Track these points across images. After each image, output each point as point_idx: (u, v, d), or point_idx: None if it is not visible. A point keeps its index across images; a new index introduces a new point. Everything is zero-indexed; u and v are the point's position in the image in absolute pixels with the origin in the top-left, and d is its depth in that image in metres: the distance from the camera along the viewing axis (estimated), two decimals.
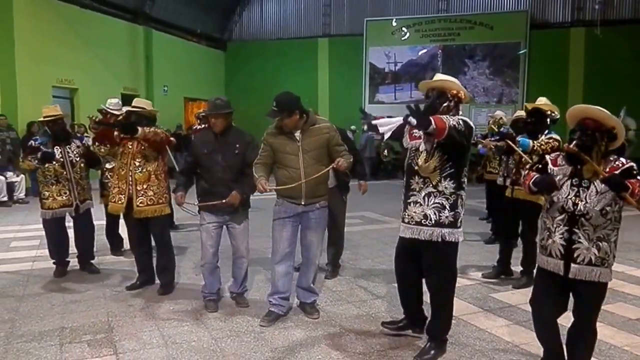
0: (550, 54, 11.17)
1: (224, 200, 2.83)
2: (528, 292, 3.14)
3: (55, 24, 8.36)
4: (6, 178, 7.01)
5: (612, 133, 1.95)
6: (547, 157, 2.13)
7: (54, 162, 3.53)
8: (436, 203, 2.21)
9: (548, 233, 2.03)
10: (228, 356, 2.41)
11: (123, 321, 2.83)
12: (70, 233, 3.80)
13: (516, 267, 3.65)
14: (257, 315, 2.85)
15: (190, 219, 5.55)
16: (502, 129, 5.16)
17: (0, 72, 7.62)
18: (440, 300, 2.32)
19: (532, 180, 2.05)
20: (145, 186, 3.19)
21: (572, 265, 1.96)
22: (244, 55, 12.89)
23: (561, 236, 1.97)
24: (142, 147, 3.18)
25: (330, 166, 2.64)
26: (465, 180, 2.28)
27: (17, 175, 7.21)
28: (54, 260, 3.73)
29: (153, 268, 3.40)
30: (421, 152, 2.23)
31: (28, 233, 5.14)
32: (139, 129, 3.10)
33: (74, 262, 3.82)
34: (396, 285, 2.57)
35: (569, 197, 1.95)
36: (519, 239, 3.73)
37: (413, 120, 2.01)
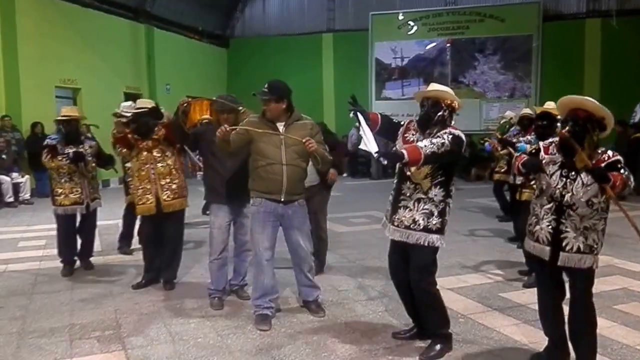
0: (564, 47, 10.83)
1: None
2: (536, 291, 3.14)
3: (58, 24, 8.39)
4: (12, 179, 7.09)
5: (602, 124, 2.02)
6: (541, 143, 2.21)
7: (82, 163, 3.66)
8: (425, 209, 2.28)
9: (536, 219, 2.13)
10: (234, 352, 2.42)
11: (130, 318, 2.87)
12: None
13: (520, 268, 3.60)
14: None
15: (196, 217, 5.63)
16: (512, 130, 5.10)
17: (4, 73, 7.67)
18: (425, 297, 2.36)
19: (521, 161, 2.19)
20: (168, 180, 3.26)
21: (561, 253, 2.04)
22: (247, 52, 12.78)
23: (548, 224, 2.07)
24: (158, 143, 3.25)
25: (304, 140, 2.54)
26: (453, 188, 2.36)
27: (22, 176, 7.31)
28: (61, 259, 3.80)
29: (159, 267, 3.42)
30: None
31: (35, 233, 5.23)
32: (164, 113, 3.26)
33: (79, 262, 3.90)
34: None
35: (558, 186, 2.04)
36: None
37: (384, 161, 2.24)
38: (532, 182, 3.35)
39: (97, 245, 4.56)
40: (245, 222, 2.98)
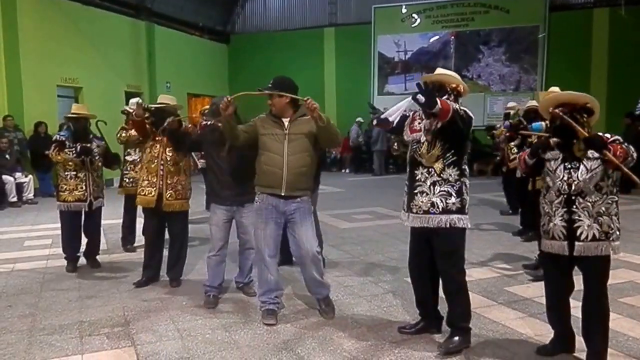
0: (571, 38, 10.64)
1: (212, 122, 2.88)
2: (543, 284, 3.13)
3: (59, 23, 8.39)
4: (15, 179, 7.11)
5: (587, 109, 2.08)
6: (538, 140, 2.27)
7: (89, 157, 3.69)
8: (442, 191, 2.28)
9: (548, 218, 2.13)
10: (242, 347, 2.45)
11: (138, 315, 2.90)
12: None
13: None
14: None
15: (200, 213, 5.66)
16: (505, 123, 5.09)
17: (6, 73, 7.69)
18: (453, 285, 2.36)
19: (527, 152, 2.21)
20: (175, 180, 3.26)
21: (577, 243, 2.04)
22: (248, 47, 12.72)
23: (561, 218, 2.07)
24: (168, 143, 3.25)
25: (305, 98, 2.48)
26: (467, 168, 2.36)
27: (26, 176, 7.34)
28: (65, 255, 3.84)
29: (159, 267, 3.45)
30: (422, 143, 2.30)
31: (40, 232, 5.27)
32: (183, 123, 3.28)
33: (84, 259, 3.94)
34: (408, 279, 2.57)
35: (563, 179, 2.06)
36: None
37: (421, 98, 2.05)
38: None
39: (102, 243, 4.60)
40: (245, 221, 2.97)
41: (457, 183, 2.29)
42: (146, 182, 3.29)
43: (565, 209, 2.06)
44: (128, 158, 4.27)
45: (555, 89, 3.49)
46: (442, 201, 2.27)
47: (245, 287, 3.18)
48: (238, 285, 3.20)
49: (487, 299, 3.09)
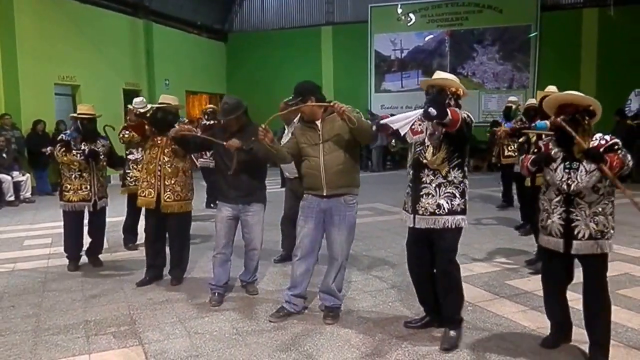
0: (561, 36, 10.87)
1: (224, 143, 2.87)
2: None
3: (56, 20, 8.32)
4: (12, 177, 7.05)
5: (590, 111, 2.13)
6: (540, 143, 2.32)
7: (94, 161, 3.68)
8: (448, 192, 2.33)
9: (547, 214, 2.21)
10: (250, 345, 2.47)
11: (144, 314, 2.90)
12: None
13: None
14: (274, 307, 2.87)
15: (201, 211, 5.65)
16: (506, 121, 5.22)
17: (3, 71, 7.62)
18: (452, 281, 2.41)
19: (530, 160, 2.26)
20: (173, 181, 3.23)
21: (574, 242, 2.12)
22: (245, 46, 12.73)
23: (559, 216, 2.14)
24: (172, 143, 3.24)
25: (330, 104, 2.54)
26: (466, 169, 2.42)
27: (23, 175, 7.27)
28: (67, 255, 3.82)
29: (162, 266, 3.44)
30: (427, 146, 2.33)
31: (39, 232, 5.23)
32: (176, 125, 3.23)
33: (86, 259, 3.93)
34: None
35: (563, 179, 2.11)
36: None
37: (433, 111, 2.09)
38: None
39: (104, 242, 4.60)
40: (251, 220, 2.98)
41: (461, 185, 2.35)
42: (145, 183, 3.29)
43: (563, 208, 2.13)
44: (130, 157, 4.27)
45: (553, 88, 3.55)
46: (447, 202, 2.32)
47: (249, 285, 3.19)
48: (242, 284, 3.22)
49: (489, 292, 3.15)
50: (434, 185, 2.33)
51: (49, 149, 6.72)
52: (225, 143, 2.87)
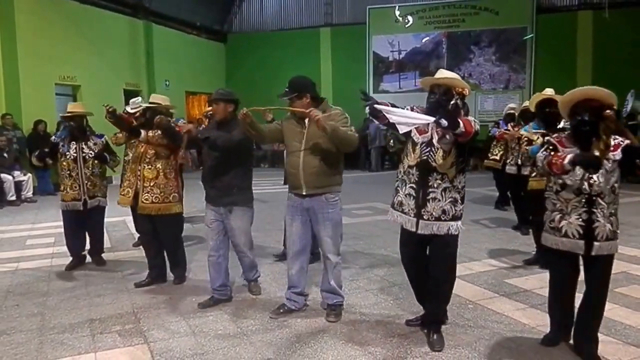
0: (557, 38, 11.01)
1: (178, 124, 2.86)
2: (541, 276, 3.26)
3: (56, 21, 8.34)
4: (14, 177, 7.04)
5: (613, 109, 2.05)
6: (549, 138, 2.20)
7: (66, 157, 3.66)
8: (451, 198, 2.27)
9: (560, 214, 2.12)
10: (255, 343, 2.49)
11: (149, 312, 2.92)
12: None
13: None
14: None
15: (200, 212, 5.63)
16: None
17: (4, 71, 7.62)
18: (446, 285, 2.39)
19: (570, 159, 2.00)
20: (152, 183, 3.19)
21: (595, 243, 2.08)
22: (245, 47, 12.79)
23: (578, 217, 2.07)
24: (154, 142, 3.20)
25: (308, 110, 2.43)
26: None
27: (25, 174, 7.26)
28: (69, 253, 3.83)
29: (163, 265, 3.42)
30: (438, 149, 2.23)
31: (42, 231, 5.22)
32: (142, 132, 3.15)
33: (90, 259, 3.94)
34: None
35: (583, 179, 2.03)
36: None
37: (444, 122, 2.04)
38: (535, 174, 3.42)
39: (106, 241, 4.57)
40: (234, 225, 2.90)
41: (463, 190, 2.31)
42: (127, 182, 3.30)
43: (585, 209, 2.06)
44: (127, 159, 4.22)
45: (550, 90, 3.60)
46: (451, 208, 2.27)
47: (251, 285, 3.19)
48: (244, 284, 3.23)
49: (489, 291, 3.19)
50: (440, 189, 2.25)
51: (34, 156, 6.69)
52: (178, 124, 2.85)
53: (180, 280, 3.39)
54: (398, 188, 2.37)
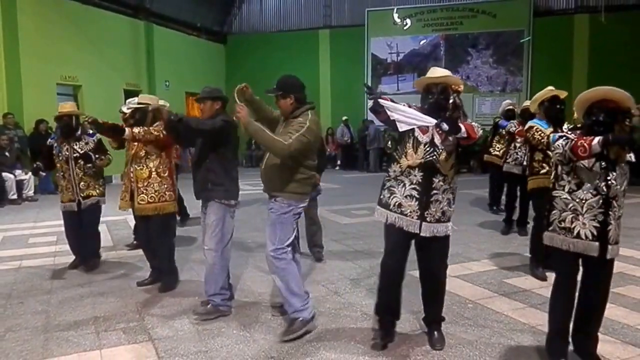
0: (554, 41, 11.14)
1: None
2: (539, 277, 3.31)
3: (58, 21, 8.37)
4: (15, 176, 7.05)
5: (629, 113, 2.01)
6: (569, 135, 2.07)
7: (59, 158, 3.64)
8: (448, 199, 2.28)
9: (573, 215, 2.03)
10: (259, 341, 2.52)
11: (153, 311, 2.94)
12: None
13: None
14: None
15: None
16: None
17: (6, 71, 7.64)
18: (443, 286, 2.42)
19: (600, 140, 1.88)
20: (145, 183, 3.17)
21: (609, 246, 2.02)
22: (244, 48, 12.85)
23: (593, 218, 2.00)
24: (143, 144, 3.17)
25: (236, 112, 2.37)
26: None
27: (26, 174, 7.26)
28: (72, 252, 3.84)
29: (160, 266, 3.39)
30: (441, 151, 2.20)
31: (44, 230, 5.22)
32: (127, 130, 3.11)
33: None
34: (411, 272, 2.56)
35: (601, 179, 1.97)
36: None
37: (445, 126, 2.05)
38: (543, 171, 3.24)
39: (108, 240, 4.64)
40: (208, 220, 2.77)
41: (455, 191, 2.32)
42: (124, 186, 3.31)
43: (601, 210, 1.99)
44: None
45: (551, 88, 3.62)
46: (448, 209, 2.27)
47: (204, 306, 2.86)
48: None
49: (488, 290, 3.24)
50: (441, 190, 2.24)
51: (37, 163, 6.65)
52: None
53: (165, 288, 3.23)
54: (393, 188, 2.28)
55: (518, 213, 4.82)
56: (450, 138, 2.20)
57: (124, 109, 3.96)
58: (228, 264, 2.88)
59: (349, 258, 4.05)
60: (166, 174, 3.24)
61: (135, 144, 3.20)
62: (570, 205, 2.05)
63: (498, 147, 5.52)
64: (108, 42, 9.41)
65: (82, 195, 3.66)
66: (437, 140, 2.22)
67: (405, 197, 2.25)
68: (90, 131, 3.75)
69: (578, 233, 2.03)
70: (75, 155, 3.63)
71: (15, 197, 6.97)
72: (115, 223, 5.29)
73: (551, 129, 3.16)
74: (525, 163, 4.35)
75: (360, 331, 2.61)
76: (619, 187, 2.00)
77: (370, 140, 11.19)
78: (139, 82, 10.30)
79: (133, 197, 3.19)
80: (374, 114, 2.23)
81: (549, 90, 3.25)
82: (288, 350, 2.40)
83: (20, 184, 7.14)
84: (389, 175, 2.33)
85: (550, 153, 2.50)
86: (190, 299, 3.10)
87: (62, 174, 3.66)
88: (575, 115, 2.20)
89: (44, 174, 3.78)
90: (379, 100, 2.16)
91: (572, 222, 2.05)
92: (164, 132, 3.10)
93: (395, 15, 10.84)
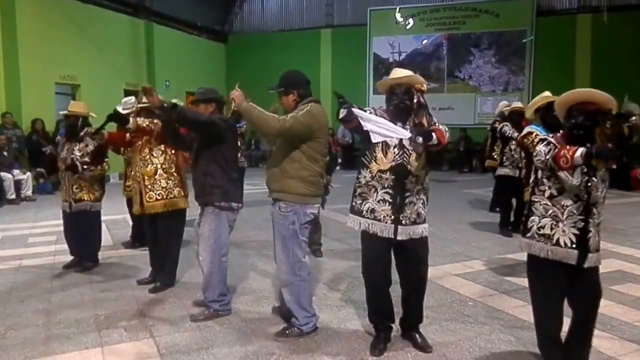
0: (556, 41, 11.12)
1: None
2: None
3: (57, 20, 8.35)
4: (13, 176, 7.03)
5: (611, 115, 1.98)
6: (548, 138, 2.02)
7: (59, 157, 3.66)
8: (421, 199, 2.25)
9: (553, 221, 1.96)
10: (259, 337, 2.53)
11: (153, 308, 2.95)
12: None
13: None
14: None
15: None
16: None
17: (4, 70, 7.63)
18: (424, 288, 2.37)
19: (583, 151, 1.81)
20: (152, 181, 3.15)
21: (589, 254, 1.94)
22: (245, 47, 12.83)
23: (573, 225, 1.93)
24: (146, 141, 3.15)
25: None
26: None
27: (24, 173, 7.26)
28: (70, 252, 3.84)
29: (162, 266, 3.37)
30: (410, 152, 2.18)
31: (43, 229, 5.23)
32: (131, 119, 3.08)
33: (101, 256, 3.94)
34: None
35: (582, 185, 1.91)
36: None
37: (420, 139, 2.02)
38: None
39: (108, 239, 4.64)
40: (201, 229, 2.72)
41: (428, 190, 2.28)
42: (132, 190, 3.30)
43: (581, 217, 1.92)
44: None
45: (547, 93, 3.61)
46: (423, 210, 2.24)
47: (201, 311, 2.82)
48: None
49: (489, 288, 3.24)
50: (414, 192, 2.21)
51: (49, 147, 6.67)
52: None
53: (161, 286, 3.20)
54: (364, 194, 2.24)
55: (513, 217, 4.77)
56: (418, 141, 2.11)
57: (120, 109, 3.90)
58: (226, 273, 2.82)
59: (350, 257, 4.06)
60: (172, 170, 3.20)
61: (137, 143, 3.20)
62: (550, 211, 1.98)
63: (497, 151, 5.50)
64: (107, 42, 9.39)
65: (74, 197, 3.63)
66: (406, 142, 2.18)
67: (378, 202, 2.21)
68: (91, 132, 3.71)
69: (557, 240, 1.95)
70: (72, 157, 3.61)
71: (13, 197, 6.95)
72: (115, 222, 5.30)
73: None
74: (521, 165, 4.31)
75: (362, 327, 2.62)
76: (599, 193, 1.94)
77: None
78: (139, 82, 10.26)
79: (142, 197, 3.15)
80: (342, 123, 2.11)
81: (545, 97, 3.18)
82: (289, 347, 2.41)
83: (18, 184, 7.11)
84: (359, 181, 2.28)
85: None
86: (191, 296, 3.11)
87: (60, 173, 3.70)
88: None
89: (42, 180, 3.77)
90: (353, 109, 2.06)
91: (551, 229, 1.97)
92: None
93: (398, 15, 10.82)
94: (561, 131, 2.10)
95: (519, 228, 4.97)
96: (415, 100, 2.19)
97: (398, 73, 2.25)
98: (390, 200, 2.19)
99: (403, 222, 2.19)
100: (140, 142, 3.20)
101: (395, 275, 2.38)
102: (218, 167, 2.69)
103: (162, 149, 3.18)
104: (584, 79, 10.70)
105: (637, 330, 2.57)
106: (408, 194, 2.19)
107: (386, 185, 2.19)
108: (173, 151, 3.23)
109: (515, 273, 3.54)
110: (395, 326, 2.49)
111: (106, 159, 3.76)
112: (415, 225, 2.21)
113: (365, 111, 2.14)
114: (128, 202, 4.21)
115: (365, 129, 2.08)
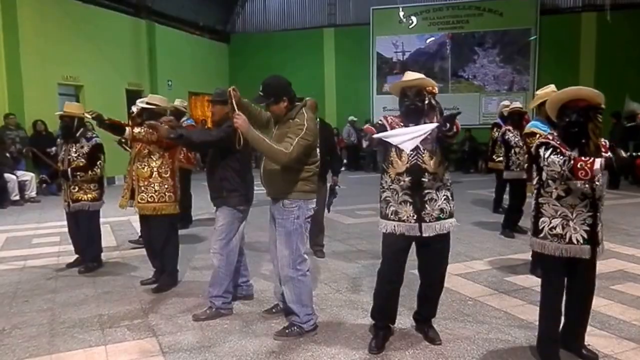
0: (561, 40, 11.05)
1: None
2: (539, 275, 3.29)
3: (59, 21, 8.40)
4: (17, 177, 7.07)
5: (600, 109, 2.02)
6: (548, 141, 2.07)
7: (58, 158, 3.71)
8: (445, 195, 2.30)
9: (563, 221, 2.03)
10: (261, 337, 2.56)
11: (156, 308, 2.99)
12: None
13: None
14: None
15: (210, 214, 5.71)
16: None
17: (7, 71, 7.67)
18: (442, 284, 2.44)
19: (601, 163, 1.89)
20: (146, 183, 3.18)
21: (598, 247, 2.05)
22: (248, 47, 12.83)
23: (583, 222, 2.02)
24: (146, 144, 3.17)
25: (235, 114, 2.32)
26: None
27: (28, 174, 7.31)
28: (74, 251, 3.89)
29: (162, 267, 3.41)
30: (424, 152, 2.24)
31: (47, 230, 5.28)
32: (127, 129, 3.13)
33: (104, 256, 3.99)
34: (414, 271, 2.54)
35: (587, 183, 1.97)
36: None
37: (452, 128, 2.11)
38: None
39: (112, 240, 4.70)
40: (216, 226, 2.80)
41: (451, 186, 2.34)
42: (126, 184, 3.34)
43: (590, 213, 2.02)
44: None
45: (552, 86, 3.60)
46: (447, 205, 2.29)
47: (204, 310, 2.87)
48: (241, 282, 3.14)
49: (489, 288, 3.25)
50: (434, 188, 2.26)
51: (54, 149, 6.76)
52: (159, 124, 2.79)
53: (161, 288, 3.23)
54: (388, 199, 2.31)
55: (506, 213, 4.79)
56: (429, 137, 2.20)
57: (134, 109, 3.92)
58: (233, 269, 2.87)
59: (352, 257, 4.08)
60: (168, 175, 3.24)
61: (139, 143, 3.25)
62: (560, 211, 2.06)
63: (501, 152, 5.48)
64: (110, 42, 9.41)
65: (72, 197, 3.65)
66: (421, 146, 2.24)
67: (400, 203, 2.29)
68: (90, 134, 3.73)
69: (570, 238, 2.04)
70: (69, 157, 3.62)
71: (17, 198, 6.97)
72: (120, 223, 5.34)
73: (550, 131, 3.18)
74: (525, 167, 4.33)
75: (361, 327, 2.64)
76: (602, 187, 2.03)
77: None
78: (141, 82, 10.29)
79: (134, 196, 3.22)
80: (369, 146, 2.28)
81: (551, 91, 3.20)
82: (289, 345, 2.44)
83: (22, 185, 7.14)
84: (383, 187, 2.38)
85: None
86: (192, 297, 3.14)
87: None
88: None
89: (44, 186, 3.79)
90: (376, 136, 2.21)
91: (563, 228, 2.05)
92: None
93: (401, 14, 10.80)
94: (555, 133, 2.16)
95: (517, 227, 4.93)
96: (426, 102, 2.27)
97: (410, 76, 2.34)
98: (410, 200, 2.27)
99: (426, 219, 2.26)
100: (140, 144, 3.23)
101: (408, 275, 2.43)
102: (234, 172, 2.78)
103: (161, 153, 3.22)
104: (588, 77, 10.61)
105: (635, 328, 2.57)
106: (427, 191, 2.26)
107: (405, 187, 2.27)
108: (169, 155, 3.25)
109: (515, 273, 3.55)
110: (395, 327, 2.51)
111: (99, 162, 3.70)
112: (440, 220, 2.27)
113: (380, 123, 2.30)
114: None
115: (394, 144, 2.18)
